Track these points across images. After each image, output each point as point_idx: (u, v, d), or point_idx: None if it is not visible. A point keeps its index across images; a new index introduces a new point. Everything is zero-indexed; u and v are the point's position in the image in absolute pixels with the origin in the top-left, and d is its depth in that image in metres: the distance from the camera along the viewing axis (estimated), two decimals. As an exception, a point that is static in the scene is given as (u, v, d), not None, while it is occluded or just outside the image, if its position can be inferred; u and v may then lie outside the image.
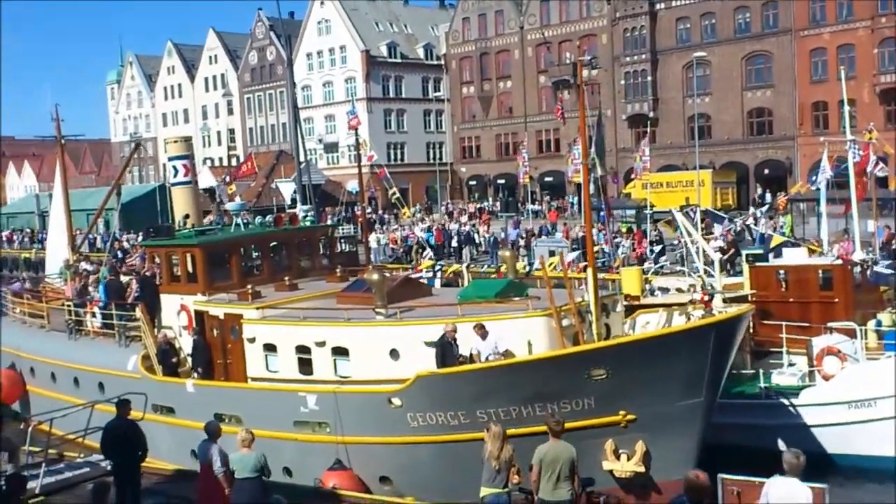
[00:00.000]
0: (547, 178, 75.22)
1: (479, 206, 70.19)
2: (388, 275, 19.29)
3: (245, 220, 22.53)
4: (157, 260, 20.69)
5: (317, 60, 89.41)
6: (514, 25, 79.37)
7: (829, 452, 17.23)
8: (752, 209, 38.08)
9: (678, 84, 68.06)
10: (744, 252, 25.26)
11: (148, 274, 21.09)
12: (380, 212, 65.44)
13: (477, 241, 44.92)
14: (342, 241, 35.05)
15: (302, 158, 44.42)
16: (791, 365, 19.22)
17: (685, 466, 13.59)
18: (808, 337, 18.99)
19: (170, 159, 25.90)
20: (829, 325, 18.75)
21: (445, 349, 14.94)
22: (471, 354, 15.03)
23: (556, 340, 14.75)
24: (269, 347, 17.31)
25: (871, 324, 19.11)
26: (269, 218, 22.41)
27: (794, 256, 22.03)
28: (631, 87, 71.01)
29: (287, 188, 64.35)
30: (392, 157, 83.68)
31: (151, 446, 14.72)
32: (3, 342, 24.72)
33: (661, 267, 30.69)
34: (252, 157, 41.74)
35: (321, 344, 16.43)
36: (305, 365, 16.74)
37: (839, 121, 51.29)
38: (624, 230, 40.83)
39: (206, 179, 71.50)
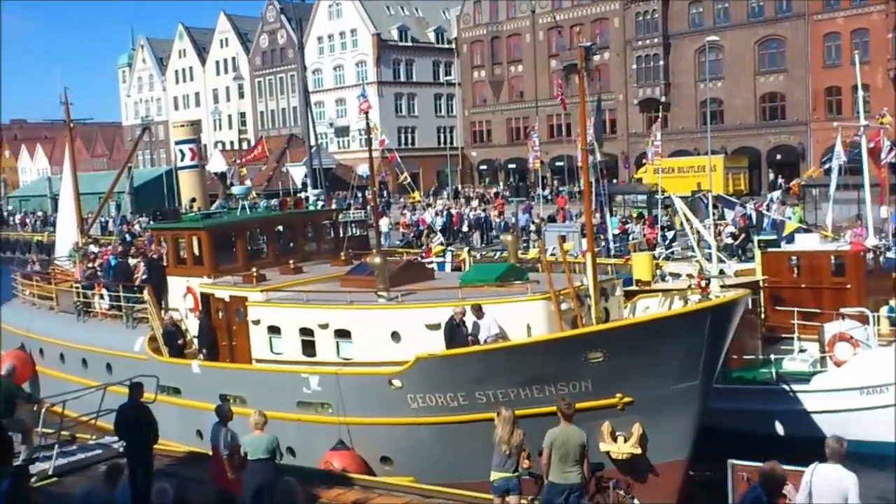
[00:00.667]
0: (558, 163, 74.98)
1: (495, 190, 69.83)
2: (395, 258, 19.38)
3: (253, 203, 22.63)
4: (164, 243, 20.88)
5: (328, 44, 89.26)
6: (525, 9, 79.00)
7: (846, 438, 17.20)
8: (769, 194, 37.92)
9: (690, 68, 67.69)
10: (756, 238, 25.16)
11: (154, 256, 21.25)
12: (384, 196, 65.29)
13: (491, 225, 44.89)
14: (352, 225, 35.12)
15: (312, 142, 44.46)
16: (802, 351, 19.19)
17: (681, 448, 13.85)
18: (820, 323, 18.95)
19: (176, 143, 26.02)
20: (842, 311, 18.68)
21: (454, 331, 15.07)
22: (467, 334, 15.24)
23: (554, 324, 14.90)
24: (274, 329, 17.51)
25: (884, 310, 19.05)
26: (274, 202, 22.45)
27: (807, 242, 21.93)
28: (643, 71, 70.65)
29: (298, 172, 64.44)
30: (403, 141, 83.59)
31: (159, 426, 14.87)
32: (13, 324, 24.99)
33: (673, 252, 30.60)
34: (263, 140, 41.74)
35: (324, 326, 16.66)
36: (309, 347, 16.96)
37: (852, 106, 50.94)
38: (635, 215, 40.70)
39: (217, 163, 71.59)
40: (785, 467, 11.39)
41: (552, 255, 21.47)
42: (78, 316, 22.29)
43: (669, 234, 34.68)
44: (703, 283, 16.63)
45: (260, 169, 59.20)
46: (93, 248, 26.53)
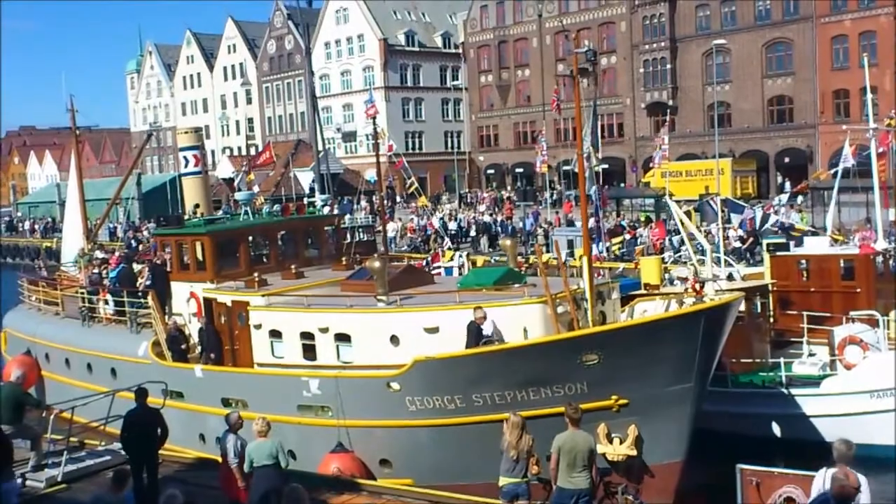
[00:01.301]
0: (565, 167, 74.78)
1: (507, 195, 69.61)
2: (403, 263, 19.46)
3: (255, 209, 22.83)
4: (168, 248, 21.08)
5: (335, 49, 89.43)
6: (532, 13, 79.00)
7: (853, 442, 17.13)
8: (777, 197, 37.91)
9: (698, 72, 67.57)
10: (764, 241, 25.11)
11: (158, 262, 21.41)
12: (387, 202, 65.22)
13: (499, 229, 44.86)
14: (359, 230, 35.14)
15: (320, 147, 44.51)
16: (811, 355, 19.12)
17: (677, 450, 13.96)
18: (829, 327, 18.88)
19: (180, 150, 26.23)
20: (851, 314, 18.62)
21: (477, 335, 15.17)
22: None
23: (551, 327, 15.05)
24: (275, 334, 17.71)
25: (894, 313, 18.98)
26: (276, 207, 22.65)
27: (816, 245, 21.87)
28: (650, 75, 70.55)
29: (305, 177, 64.63)
30: (410, 145, 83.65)
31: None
32: (19, 329, 25.30)
33: (681, 256, 30.51)
34: (270, 146, 41.85)
35: (324, 330, 16.85)
36: (309, 351, 17.15)
37: (861, 109, 50.80)
38: (643, 219, 40.65)
39: (225, 169, 71.80)
40: (795, 472, 11.40)
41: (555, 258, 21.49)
42: (83, 321, 22.47)
43: (677, 238, 34.57)
44: (697, 286, 16.77)
45: (268, 174, 59.28)
46: (98, 254, 26.70)
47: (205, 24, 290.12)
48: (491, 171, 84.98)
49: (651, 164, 49.82)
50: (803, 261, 21.24)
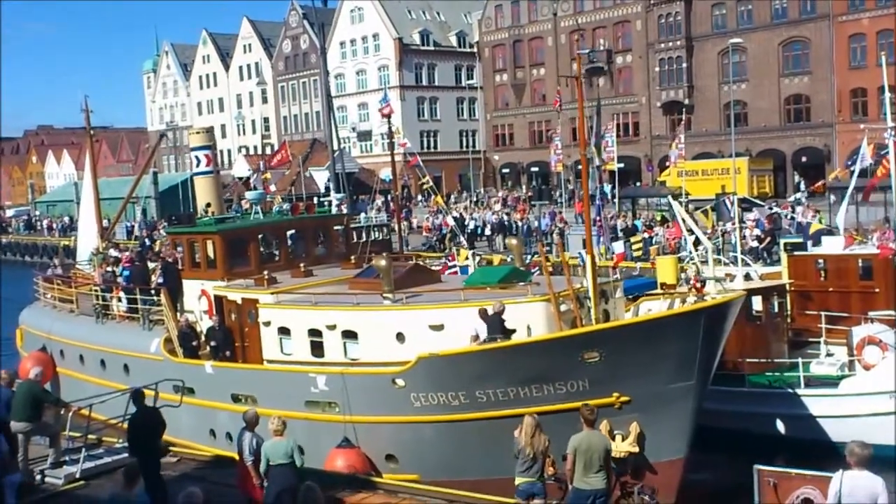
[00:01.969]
0: (580, 166, 74.72)
1: (526, 195, 69.43)
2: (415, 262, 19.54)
3: (266, 208, 23.08)
4: (179, 247, 21.37)
5: (350, 49, 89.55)
6: (547, 12, 78.87)
7: (869, 443, 17.01)
8: (794, 196, 37.78)
9: (714, 71, 67.31)
10: (782, 241, 24.99)
11: (169, 260, 21.65)
12: (403, 201, 65.20)
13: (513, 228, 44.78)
14: (374, 228, 35.17)
15: (335, 147, 44.60)
16: (829, 355, 19.02)
17: (679, 447, 14.08)
18: (847, 327, 18.77)
19: (192, 150, 26.44)
20: (870, 314, 18.51)
21: (500, 325, 15.28)
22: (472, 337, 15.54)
23: (554, 325, 15.22)
24: (284, 331, 17.97)
25: (913, 313, 18.83)
26: (286, 206, 22.85)
27: (834, 245, 21.74)
28: (665, 73, 70.33)
29: (321, 176, 64.76)
30: (425, 145, 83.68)
31: (174, 426, 15.62)
32: (35, 326, 25.65)
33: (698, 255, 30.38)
34: (286, 145, 41.93)
35: (332, 327, 17.09)
36: (317, 348, 17.38)
37: (879, 107, 50.47)
38: (658, 219, 40.51)
39: (241, 168, 72.08)
40: (813, 473, 11.33)
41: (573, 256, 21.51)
42: (97, 318, 22.76)
43: (691, 238, 34.41)
44: (698, 284, 16.86)
45: (283, 173, 59.42)
46: (113, 253, 26.96)
47: (221, 23, 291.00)
48: (506, 171, 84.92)
49: (667, 164, 49.74)
50: (821, 260, 21.13)
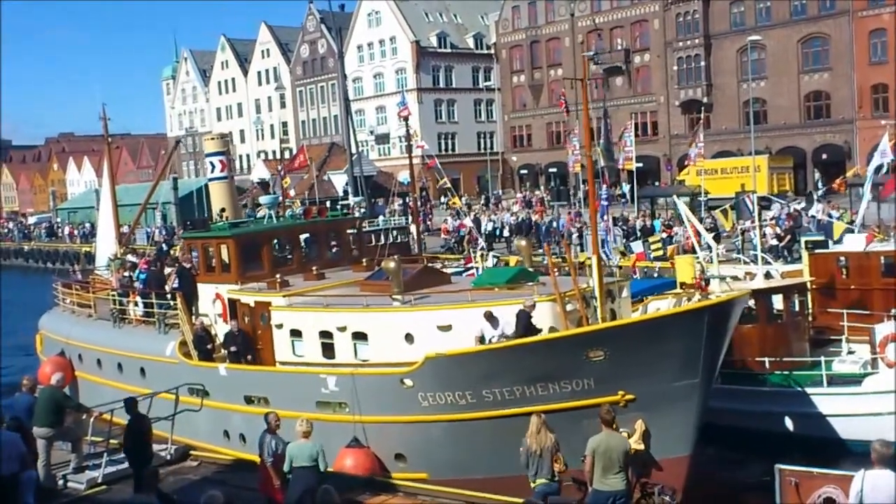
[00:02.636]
0: (599, 166, 74.48)
1: (545, 195, 69.29)
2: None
3: (279, 212, 23.38)
4: (194, 251, 21.69)
5: (367, 52, 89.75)
6: (564, 13, 78.68)
7: (892, 441, 16.84)
8: (814, 194, 37.52)
9: (732, 68, 66.91)
10: (803, 238, 24.80)
11: (186, 265, 21.97)
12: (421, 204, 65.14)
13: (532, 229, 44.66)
14: (393, 231, 35.24)
15: (353, 150, 44.73)
16: (850, 353, 18.86)
17: (684, 444, 14.09)
18: (869, 325, 18.60)
19: (206, 155, 26.78)
20: (893, 311, 18.32)
21: (526, 323, 15.42)
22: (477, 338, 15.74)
23: (560, 324, 15.42)
24: (296, 333, 18.15)
25: (936, 311, 18.60)
26: (299, 210, 23.01)
27: (855, 242, 21.56)
28: (684, 72, 70.00)
29: (339, 180, 64.98)
30: (443, 147, 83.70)
31: (190, 428, 16.46)
32: (54, 331, 26.07)
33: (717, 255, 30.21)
34: (304, 149, 42.13)
35: (342, 329, 17.28)
36: (328, 349, 17.57)
37: (900, 103, 49.99)
38: (678, 218, 40.26)
39: (260, 172, 72.41)
40: (835, 472, 11.22)
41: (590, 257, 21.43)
42: (114, 323, 23.04)
43: (710, 236, 34.20)
44: (702, 283, 16.98)
45: (302, 177, 59.65)
46: (130, 258, 27.24)
47: (239, 29, 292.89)
48: (524, 172, 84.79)
49: (686, 162, 49.49)
50: (842, 258, 20.96)
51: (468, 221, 43.97)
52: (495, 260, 32.09)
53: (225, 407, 18.36)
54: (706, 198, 37.80)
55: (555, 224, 44.54)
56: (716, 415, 18.05)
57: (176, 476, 15.27)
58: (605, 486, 11.41)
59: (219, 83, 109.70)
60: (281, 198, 32.56)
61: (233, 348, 18.94)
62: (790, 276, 21.49)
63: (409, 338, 16.47)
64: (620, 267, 24.32)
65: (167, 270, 24.37)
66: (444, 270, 23.70)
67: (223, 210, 24.53)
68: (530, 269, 18.80)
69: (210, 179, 25.92)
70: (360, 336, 17.14)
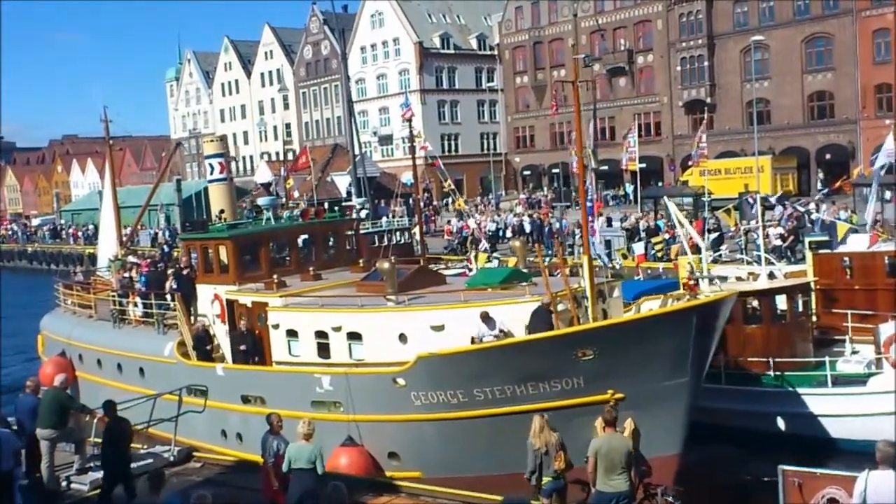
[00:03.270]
0: (602, 167, 74.37)
1: (547, 196, 69.27)
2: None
3: (287, 213, 23.55)
4: (193, 252, 21.92)
5: (370, 53, 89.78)
6: (567, 13, 78.61)
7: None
8: (817, 195, 37.44)
9: (736, 69, 66.82)
10: (807, 239, 24.76)
11: (181, 267, 22.27)
12: (431, 204, 65.26)
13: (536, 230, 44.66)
14: (397, 232, 35.25)
15: (357, 151, 44.72)
16: (854, 353, 18.83)
17: (674, 443, 14.22)
18: (873, 325, 18.58)
19: (206, 157, 26.90)
20: (897, 312, 18.30)
21: (546, 318, 15.56)
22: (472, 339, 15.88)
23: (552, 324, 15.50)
24: (292, 333, 18.31)
25: (940, 311, 18.58)
26: (296, 212, 23.23)
27: (859, 243, 21.53)
28: (687, 72, 69.92)
29: (342, 181, 64.96)
30: (446, 148, 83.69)
31: (187, 427, 16.55)
32: (55, 331, 26.25)
33: (720, 255, 30.21)
34: (307, 150, 42.14)
35: (337, 329, 17.46)
36: (324, 349, 17.73)
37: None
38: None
39: (264, 174, 72.33)
40: (838, 473, 11.20)
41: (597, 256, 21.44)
42: (114, 323, 23.24)
43: (714, 237, 34.17)
44: (691, 283, 17.11)
45: (305, 178, 59.71)
46: (132, 259, 27.36)
47: (242, 31, 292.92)
48: (527, 173, 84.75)
49: (689, 163, 49.38)
50: (847, 258, 20.93)
51: (472, 223, 44.04)
52: (496, 261, 32.11)
53: (222, 406, 18.48)
54: (709, 198, 37.70)
55: (557, 225, 44.52)
56: (720, 415, 18.07)
57: (179, 478, 15.26)
58: (609, 487, 11.39)
59: (222, 85, 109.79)
60: (285, 199, 32.65)
61: (242, 347, 19.02)
62: (794, 276, 21.47)
63: (402, 338, 16.64)
64: (613, 268, 24.46)
65: (169, 272, 24.49)
66: (446, 271, 23.82)
67: (222, 211, 24.69)
68: (524, 270, 18.98)
69: (209, 181, 26.06)
70: (354, 336, 17.32)
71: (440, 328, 16.31)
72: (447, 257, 40.72)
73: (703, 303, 14.11)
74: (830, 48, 62.32)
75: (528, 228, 44.98)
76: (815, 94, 64.05)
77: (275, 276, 19.50)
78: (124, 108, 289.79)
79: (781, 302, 19.39)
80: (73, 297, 26.57)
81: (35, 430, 14.52)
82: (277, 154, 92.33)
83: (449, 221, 50.72)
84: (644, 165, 57.10)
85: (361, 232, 31.34)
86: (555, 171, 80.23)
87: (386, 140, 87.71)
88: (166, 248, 43.39)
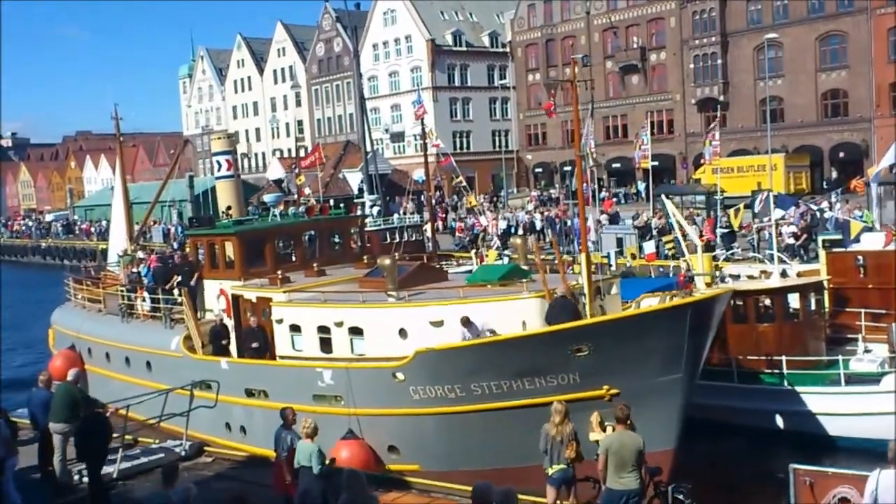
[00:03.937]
0: (615, 165, 74.37)
1: (559, 194, 68.99)
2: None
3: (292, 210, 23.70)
4: (200, 248, 22.22)
5: (383, 51, 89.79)
6: (580, 11, 78.44)
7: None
8: (832, 193, 37.27)
9: (749, 66, 66.52)
10: (820, 237, 24.66)
11: (177, 261, 22.73)
12: (443, 201, 65.23)
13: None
14: (408, 229, 35.29)
15: (368, 148, 44.78)
16: (867, 351, 18.76)
17: (668, 438, 14.32)
18: (886, 324, 18.50)
19: (213, 154, 27.02)
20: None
21: (570, 309, 15.67)
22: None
23: None
24: (295, 328, 18.46)
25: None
26: (301, 208, 23.62)
27: (873, 242, 21.43)
28: (700, 70, 69.67)
29: (354, 178, 65.07)
30: (458, 145, 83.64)
31: (194, 420, 16.85)
32: (65, 325, 26.60)
33: (733, 254, 30.12)
34: (319, 147, 42.19)
35: (339, 324, 17.60)
36: (326, 344, 17.89)
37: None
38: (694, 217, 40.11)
39: (276, 170, 72.54)
40: (850, 472, 11.14)
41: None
42: (122, 318, 23.52)
43: (723, 233, 34.05)
44: (684, 280, 17.37)
45: (317, 175, 59.83)
46: (140, 255, 27.58)
47: (255, 28, 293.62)
48: (539, 170, 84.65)
49: (702, 161, 49.24)
50: (860, 257, 20.83)
51: (484, 220, 44.00)
52: (507, 258, 32.08)
53: (227, 400, 18.62)
54: (722, 196, 37.60)
55: (569, 223, 44.42)
56: (732, 413, 18.04)
57: (191, 472, 15.34)
58: (619, 484, 11.36)
59: (235, 82, 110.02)
60: (297, 196, 32.73)
61: (254, 344, 19.11)
62: (807, 275, 21.39)
63: (402, 333, 16.78)
64: (608, 265, 24.58)
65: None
66: (456, 268, 23.87)
67: (229, 208, 24.91)
68: (524, 267, 19.13)
69: (217, 178, 26.25)
70: (356, 331, 17.47)
71: (439, 324, 16.44)
72: (458, 254, 40.74)
73: (696, 300, 14.23)
74: (845, 46, 61.99)
75: (538, 226, 44.95)
76: (828, 92, 63.72)
77: (279, 272, 19.71)
78: (138, 104, 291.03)
79: (794, 301, 19.34)
80: (83, 291, 26.86)
81: (48, 424, 14.63)
82: (290, 151, 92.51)
83: (460, 217, 50.72)
84: (656, 163, 56.85)
85: (373, 229, 31.42)
86: (566, 168, 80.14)
87: (398, 137, 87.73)
88: (175, 245, 43.60)
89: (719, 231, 33.84)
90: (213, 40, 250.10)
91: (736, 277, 22.96)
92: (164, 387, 17.35)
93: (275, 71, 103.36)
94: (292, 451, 12.24)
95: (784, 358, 18.28)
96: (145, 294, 23.31)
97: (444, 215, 55.08)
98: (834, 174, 61.23)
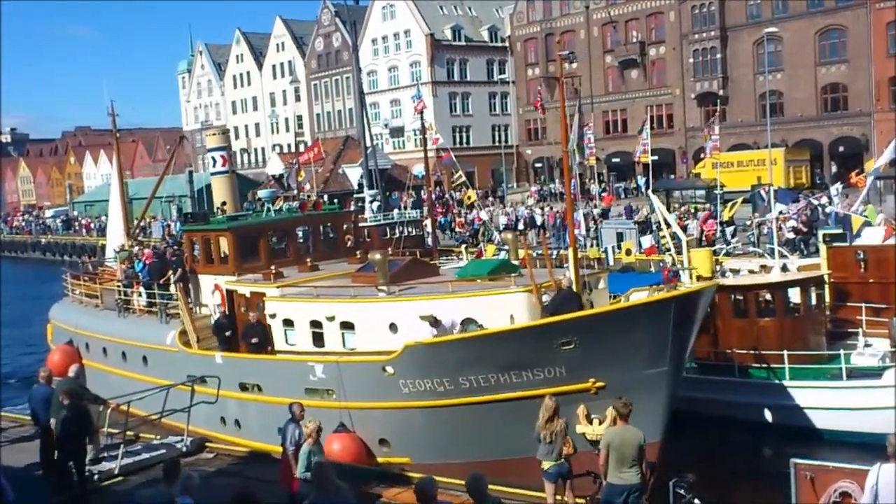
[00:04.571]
0: (614, 160, 74.34)
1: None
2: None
3: (286, 206, 23.89)
4: (195, 243, 22.36)
5: (382, 46, 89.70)
6: (579, 5, 78.31)
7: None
8: (832, 187, 37.22)
9: (749, 61, 66.45)
10: (821, 232, 24.66)
11: (169, 256, 22.87)
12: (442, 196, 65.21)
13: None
14: (408, 225, 35.23)
15: (368, 143, 44.64)
16: (868, 346, 18.76)
17: (654, 430, 14.25)
18: (887, 319, 18.50)
19: (208, 150, 27.16)
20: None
21: (575, 298, 15.91)
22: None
23: (536, 314, 15.89)
24: (288, 322, 18.63)
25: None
26: (295, 204, 23.82)
27: (873, 236, 21.43)
28: (700, 64, 69.59)
29: (354, 173, 64.94)
30: (457, 140, 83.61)
31: (191, 416, 16.76)
32: (63, 321, 26.67)
33: (734, 248, 30.13)
34: (318, 142, 42.15)
35: (331, 319, 17.76)
36: (318, 338, 18.06)
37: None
38: (693, 211, 40.14)
39: (275, 166, 72.52)
40: (851, 466, 11.14)
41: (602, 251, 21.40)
42: (119, 312, 23.65)
43: (729, 230, 34.10)
44: (669, 275, 17.49)
45: (317, 170, 59.77)
46: (136, 250, 27.62)
47: (254, 23, 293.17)
48: (538, 165, 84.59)
49: (702, 155, 49.23)
50: (861, 252, 20.84)
51: (484, 215, 44.01)
52: (504, 253, 32.06)
53: (221, 394, 18.72)
54: (722, 191, 37.60)
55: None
56: (733, 408, 18.05)
57: (192, 469, 15.32)
58: (620, 479, 11.37)
59: (234, 77, 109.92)
60: (296, 191, 32.68)
61: (254, 340, 19.12)
62: (807, 269, 21.39)
63: (392, 327, 16.91)
64: (598, 261, 24.69)
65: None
66: (455, 262, 23.87)
67: (223, 203, 24.99)
68: (514, 262, 19.28)
69: (212, 174, 26.35)
70: (347, 325, 17.62)
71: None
72: (458, 250, 40.70)
73: (680, 294, 14.28)
74: (844, 40, 61.90)
75: (539, 221, 44.96)
76: (828, 86, 63.67)
77: (273, 267, 19.85)
78: (137, 100, 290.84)
79: (794, 295, 19.34)
80: (81, 286, 26.98)
81: (49, 421, 14.62)
82: (289, 146, 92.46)
83: (458, 213, 50.68)
84: (656, 158, 56.85)
85: (373, 224, 31.39)
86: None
87: (397, 132, 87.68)
88: (169, 241, 43.61)
89: (717, 227, 33.87)
90: (211, 35, 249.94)
91: (736, 272, 22.98)
92: (161, 381, 17.50)
93: (274, 66, 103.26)
94: (299, 445, 12.27)
95: (785, 352, 18.28)
96: (141, 289, 23.44)
97: (443, 210, 55.04)
98: (834, 168, 61.22)
